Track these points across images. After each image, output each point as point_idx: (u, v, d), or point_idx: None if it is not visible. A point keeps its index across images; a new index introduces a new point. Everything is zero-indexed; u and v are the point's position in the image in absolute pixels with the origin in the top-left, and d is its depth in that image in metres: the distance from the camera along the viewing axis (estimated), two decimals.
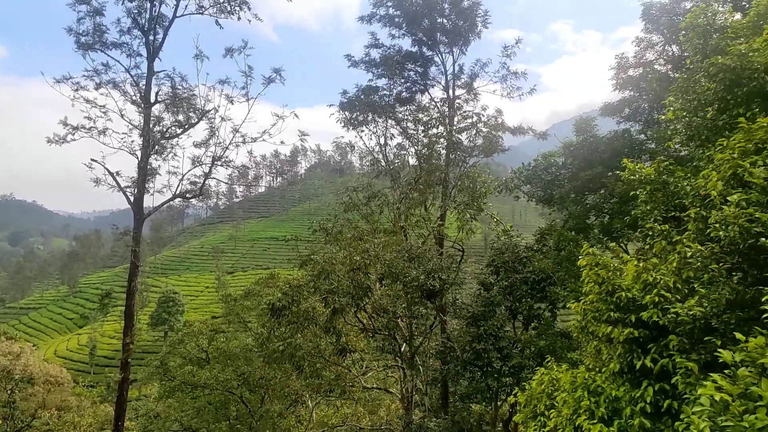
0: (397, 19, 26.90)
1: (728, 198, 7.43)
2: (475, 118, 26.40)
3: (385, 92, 27.59)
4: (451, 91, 27.50)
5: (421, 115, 26.92)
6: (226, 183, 29.09)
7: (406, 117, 27.33)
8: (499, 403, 22.86)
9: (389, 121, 27.24)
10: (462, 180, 25.80)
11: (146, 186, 21.23)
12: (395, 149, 28.50)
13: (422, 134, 26.75)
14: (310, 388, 26.17)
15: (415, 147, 27.18)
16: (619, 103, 24.69)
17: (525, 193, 27.44)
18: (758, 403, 4.55)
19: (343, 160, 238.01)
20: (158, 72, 21.34)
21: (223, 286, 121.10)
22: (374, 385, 27.22)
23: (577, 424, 9.01)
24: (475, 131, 26.26)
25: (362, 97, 26.98)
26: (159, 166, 22.26)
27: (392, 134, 27.71)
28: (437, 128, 26.56)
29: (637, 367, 8.64)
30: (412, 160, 28.29)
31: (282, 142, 23.34)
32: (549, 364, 12.37)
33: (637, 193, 11.29)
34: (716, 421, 4.93)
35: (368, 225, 24.57)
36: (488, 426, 22.45)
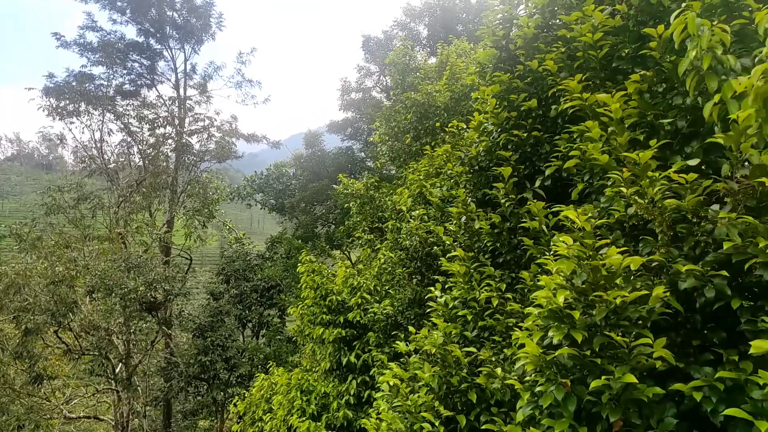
0: (119, 3, 24.39)
1: (414, 213, 8.82)
2: (207, 122, 25.64)
3: (103, 82, 24.69)
4: (182, 91, 26.17)
5: (146, 112, 24.87)
6: None
7: (128, 112, 24.90)
8: (226, 416, 22.46)
9: (108, 114, 24.43)
10: (192, 185, 24.72)
11: None
12: (117, 147, 25.69)
13: (148, 133, 24.75)
14: None
15: (140, 146, 24.96)
16: (343, 122, 27.11)
17: (258, 201, 27.75)
18: (420, 383, 5.52)
19: (51, 153, 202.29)
20: None
21: None
22: (82, 414, 23.81)
23: (289, 423, 9.50)
24: (207, 135, 25.48)
25: (74, 83, 23.59)
26: None
27: (111, 129, 24.92)
28: (165, 128, 24.93)
29: (344, 363, 9.58)
30: (137, 160, 25.91)
31: None
32: (271, 369, 12.74)
33: (350, 205, 12.56)
34: (392, 403, 5.80)
35: (78, 231, 21.53)
36: None
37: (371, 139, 14.91)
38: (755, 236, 3.07)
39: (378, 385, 8.86)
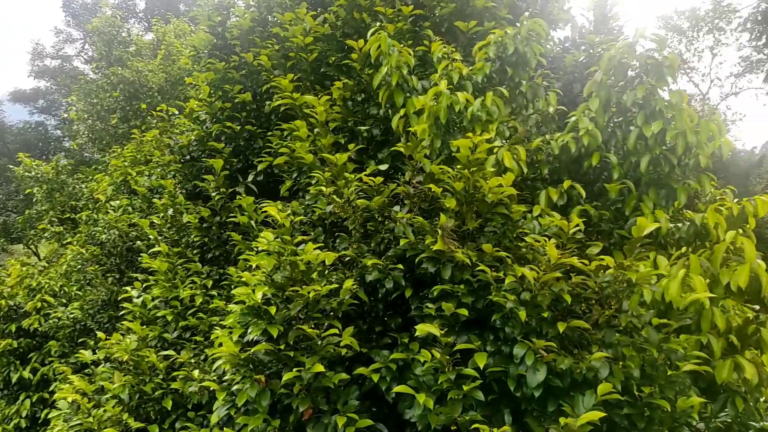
0: None
1: (114, 203, 7.84)
2: None
3: None
4: None
5: None
6: None
7: None
8: None
9: None
10: None
11: None
12: None
13: None
14: None
15: None
16: (33, 92, 22.50)
17: None
18: (107, 396, 4.87)
19: None
20: None
21: None
22: None
23: None
24: None
25: None
26: None
27: None
28: None
29: (14, 380, 7.97)
30: None
31: None
32: None
33: (35, 191, 10.49)
34: (71, 421, 4.99)
35: None
36: None
37: (65, 115, 12.76)
38: (425, 234, 3.57)
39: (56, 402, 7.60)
